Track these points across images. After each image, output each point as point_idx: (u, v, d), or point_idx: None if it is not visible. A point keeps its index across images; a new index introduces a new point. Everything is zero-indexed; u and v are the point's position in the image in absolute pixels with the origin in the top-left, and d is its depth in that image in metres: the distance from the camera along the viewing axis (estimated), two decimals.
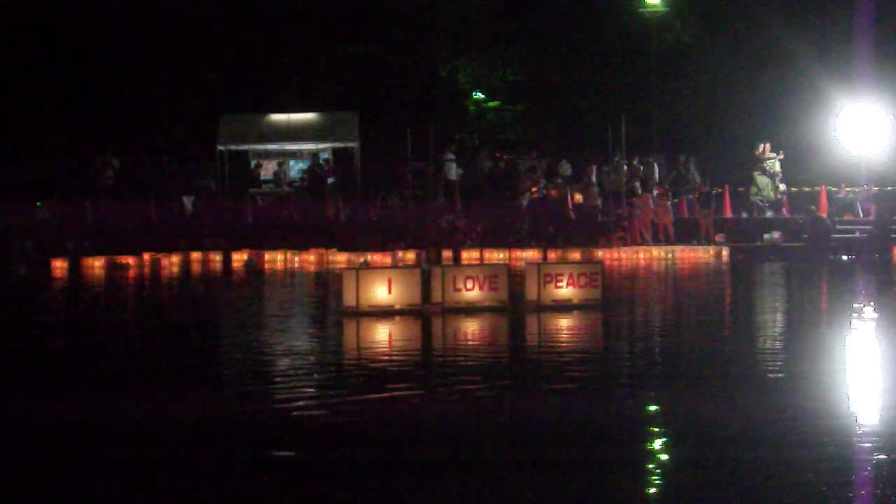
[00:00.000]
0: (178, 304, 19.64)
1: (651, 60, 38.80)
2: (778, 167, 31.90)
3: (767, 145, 32.09)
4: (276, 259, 27.47)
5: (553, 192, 32.23)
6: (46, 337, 13.97)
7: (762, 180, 31.87)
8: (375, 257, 26.38)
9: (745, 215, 31.77)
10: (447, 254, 27.68)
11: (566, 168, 34.13)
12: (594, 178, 32.68)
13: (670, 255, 28.07)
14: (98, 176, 33.43)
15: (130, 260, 26.73)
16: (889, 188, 30.93)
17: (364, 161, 35.00)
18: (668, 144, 37.38)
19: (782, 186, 31.94)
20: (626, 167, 31.82)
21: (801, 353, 11.99)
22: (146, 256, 27.36)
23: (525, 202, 31.95)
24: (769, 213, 31.60)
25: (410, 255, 27.15)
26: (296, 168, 35.09)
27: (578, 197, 32.17)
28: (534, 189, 32.21)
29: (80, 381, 10.44)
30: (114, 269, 25.55)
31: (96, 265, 26.00)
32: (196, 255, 27.92)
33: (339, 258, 26.80)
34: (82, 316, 17.16)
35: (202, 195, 33.38)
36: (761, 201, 31.80)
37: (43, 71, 38.74)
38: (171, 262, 27.15)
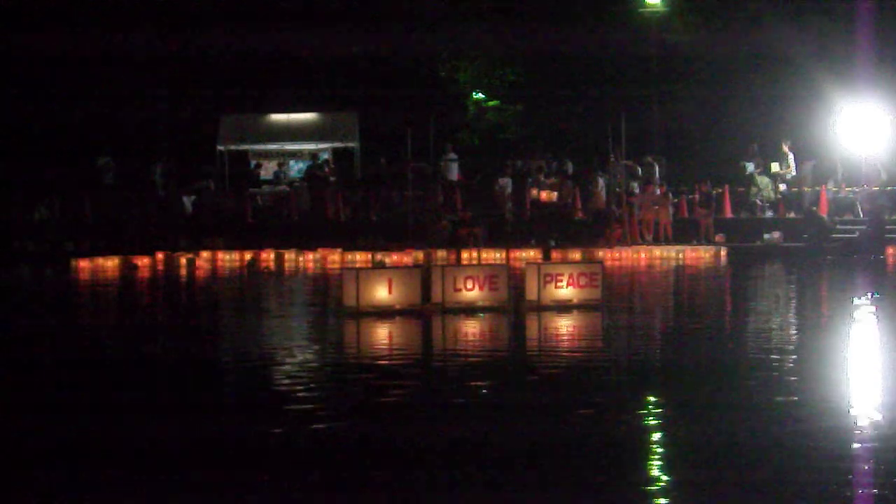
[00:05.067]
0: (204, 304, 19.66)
1: (651, 60, 38.77)
2: (777, 168, 31.86)
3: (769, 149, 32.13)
4: (287, 259, 27.35)
5: (545, 194, 32.11)
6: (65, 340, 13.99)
7: (762, 180, 31.84)
8: (394, 256, 26.32)
9: (744, 215, 31.78)
10: (450, 254, 27.67)
11: (569, 167, 34.15)
12: (599, 179, 32.62)
13: (669, 255, 28.06)
14: (98, 176, 33.46)
15: (145, 259, 26.73)
16: (889, 188, 30.90)
17: (364, 161, 35.01)
18: (669, 144, 37.38)
19: (782, 187, 31.92)
20: (625, 167, 31.81)
21: (801, 352, 12.00)
22: (159, 255, 27.36)
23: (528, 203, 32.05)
24: (769, 213, 31.60)
25: (419, 255, 27.12)
26: (296, 168, 35.10)
27: (545, 194, 32.05)
28: (533, 191, 32.21)
29: (80, 381, 10.45)
30: (127, 269, 25.52)
31: (108, 265, 25.98)
32: (206, 255, 27.89)
33: (358, 258, 26.60)
34: (96, 317, 17.19)
35: (202, 195, 33.44)
36: (761, 201, 31.80)
37: (42, 71, 38.73)
38: (182, 263, 27.09)
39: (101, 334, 14.53)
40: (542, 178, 32.90)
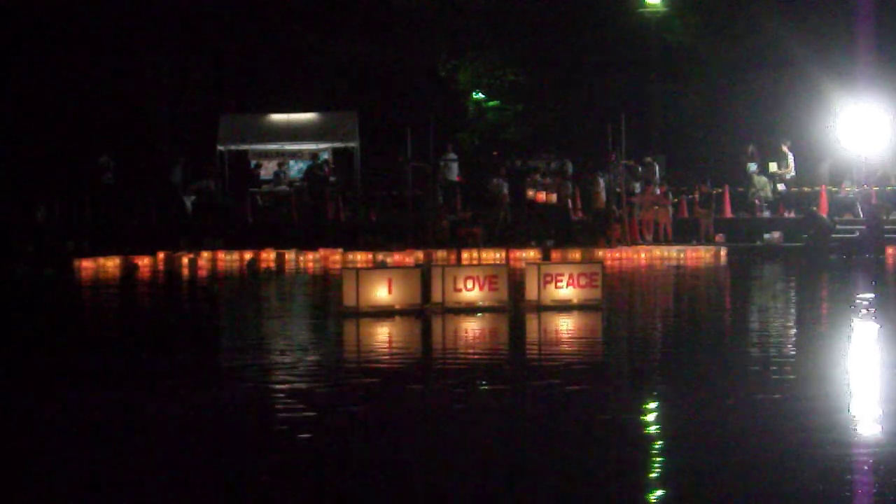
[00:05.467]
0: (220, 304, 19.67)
1: (651, 60, 38.78)
2: (775, 168, 31.88)
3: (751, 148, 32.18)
4: (288, 259, 27.27)
5: (542, 195, 32.00)
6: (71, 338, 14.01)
7: (760, 180, 31.90)
8: (396, 256, 26.30)
9: (742, 215, 31.83)
10: (450, 254, 27.67)
11: (569, 167, 34.14)
12: (600, 180, 32.59)
13: (669, 255, 28.06)
14: (98, 176, 33.47)
15: (146, 259, 26.71)
16: (889, 188, 30.91)
17: (364, 161, 35.02)
18: (669, 144, 37.41)
19: (781, 186, 31.93)
20: (624, 167, 31.81)
21: (801, 352, 12.01)
22: (160, 255, 27.34)
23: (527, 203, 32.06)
24: (766, 213, 31.63)
25: (420, 255, 27.11)
26: (296, 168, 35.11)
27: (542, 195, 31.95)
28: (529, 191, 32.17)
29: (81, 378, 10.46)
30: (129, 269, 25.51)
31: (109, 265, 25.97)
32: (206, 255, 27.84)
33: (359, 258, 26.52)
34: (99, 317, 17.21)
35: (202, 195, 33.45)
36: (759, 201, 31.87)
37: (42, 70, 38.74)
38: (185, 263, 27.05)
39: (103, 337, 14.54)
40: (539, 178, 32.87)
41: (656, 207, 31.16)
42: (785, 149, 31.83)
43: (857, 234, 28.24)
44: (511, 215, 31.93)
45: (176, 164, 33.93)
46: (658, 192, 31.46)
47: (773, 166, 31.84)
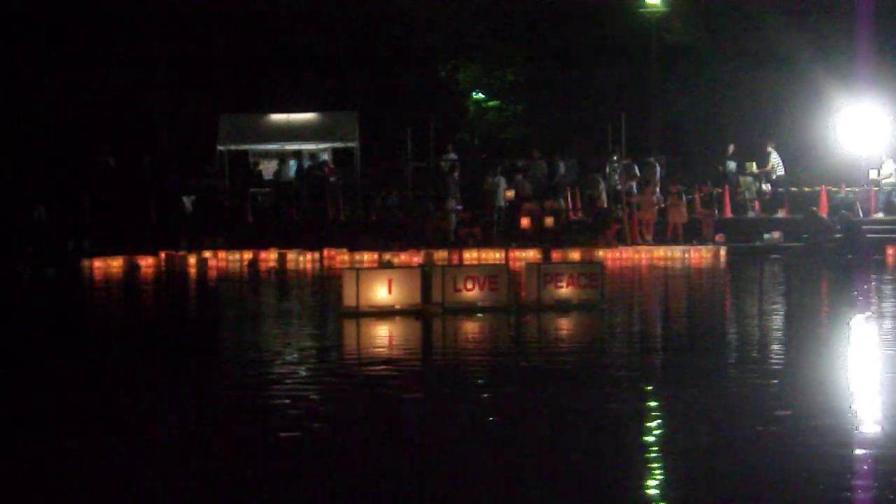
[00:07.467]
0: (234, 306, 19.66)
1: (651, 60, 38.77)
2: (755, 168, 31.89)
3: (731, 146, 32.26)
4: (290, 259, 27.19)
5: (528, 205, 31.75)
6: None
7: (744, 180, 31.99)
8: (401, 256, 26.26)
9: (732, 216, 31.90)
10: (451, 254, 27.64)
11: (560, 168, 34.03)
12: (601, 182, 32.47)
13: (668, 255, 28.05)
14: (97, 176, 33.41)
15: (149, 259, 26.67)
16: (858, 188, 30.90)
17: (364, 161, 35.01)
18: (669, 144, 37.38)
19: (766, 186, 31.94)
20: (623, 167, 31.74)
21: (800, 352, 12.01)
22: (162, 255, 27.29)
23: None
24: (750, 214, 31.65)
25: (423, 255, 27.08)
26: (295, 168, 35.07)
27: (549, 220, 31.61)
28: (507, 194, 31.90)
29: (80, 378, 10.47)
30: (130, 269, 25.48)
31: (112, 265, 25.95)
32: (207, 255, 27.77)
33: (365, 257, 26.42)
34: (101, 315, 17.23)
35: (202, 195, 33.43)
36: (743, 201, 31.98)
37: (42, 70, 38.74)
38: (191, 262, 27.00)
39: (106, 336, 14.56)
40: (520, 179, 32.51)
41: (655, 208, 31.10)
42: (769, 149, 31.86)
43: (841, 238, 28.12)
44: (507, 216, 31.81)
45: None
46: (673, 191, 31.28)
47: (752, 166, 31.90)
